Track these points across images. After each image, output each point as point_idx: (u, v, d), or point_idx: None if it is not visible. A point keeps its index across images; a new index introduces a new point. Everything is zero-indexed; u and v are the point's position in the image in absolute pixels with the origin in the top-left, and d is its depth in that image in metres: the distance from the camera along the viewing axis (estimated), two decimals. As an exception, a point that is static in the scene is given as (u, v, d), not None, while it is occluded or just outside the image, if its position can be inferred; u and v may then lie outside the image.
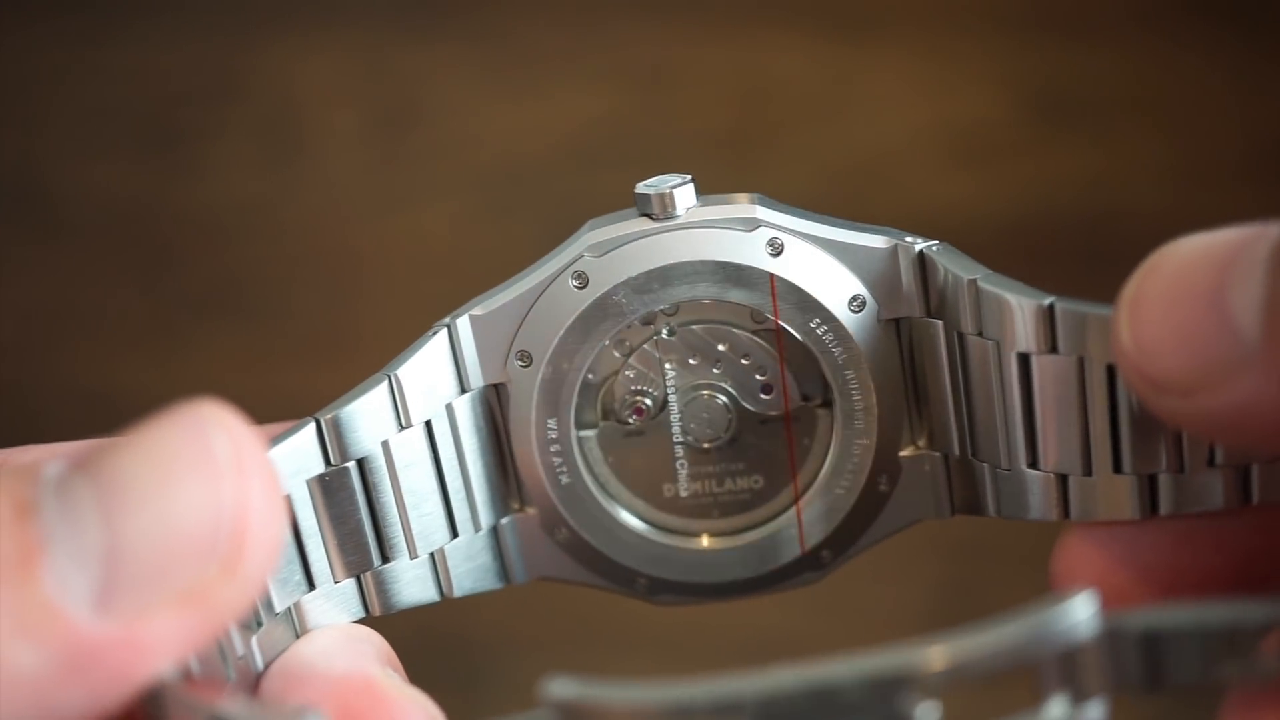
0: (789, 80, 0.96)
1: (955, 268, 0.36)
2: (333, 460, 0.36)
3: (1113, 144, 0.92)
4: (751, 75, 0.96)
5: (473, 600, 0.39)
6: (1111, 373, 0.35)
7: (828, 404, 0.38)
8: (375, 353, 1.05)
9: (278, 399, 0.95)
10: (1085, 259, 0.89)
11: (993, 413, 0.37)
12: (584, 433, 0.38)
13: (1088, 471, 0.36)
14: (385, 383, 0.36)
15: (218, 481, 0.27)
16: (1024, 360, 0.36)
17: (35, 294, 0.98)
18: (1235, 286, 0.30)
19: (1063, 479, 0.36)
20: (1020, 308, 0.35)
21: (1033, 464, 0.37)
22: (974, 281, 0.36)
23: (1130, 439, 0.35)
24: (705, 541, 0.39)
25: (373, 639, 0.36)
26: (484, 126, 0.97)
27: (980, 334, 0.36)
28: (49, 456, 0.35)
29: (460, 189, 0.97)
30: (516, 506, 0.39)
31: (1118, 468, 0.36)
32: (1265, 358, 0.30)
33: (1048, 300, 0.35)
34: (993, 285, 0.36)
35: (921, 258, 0.37)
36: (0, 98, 1.00)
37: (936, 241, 0.37)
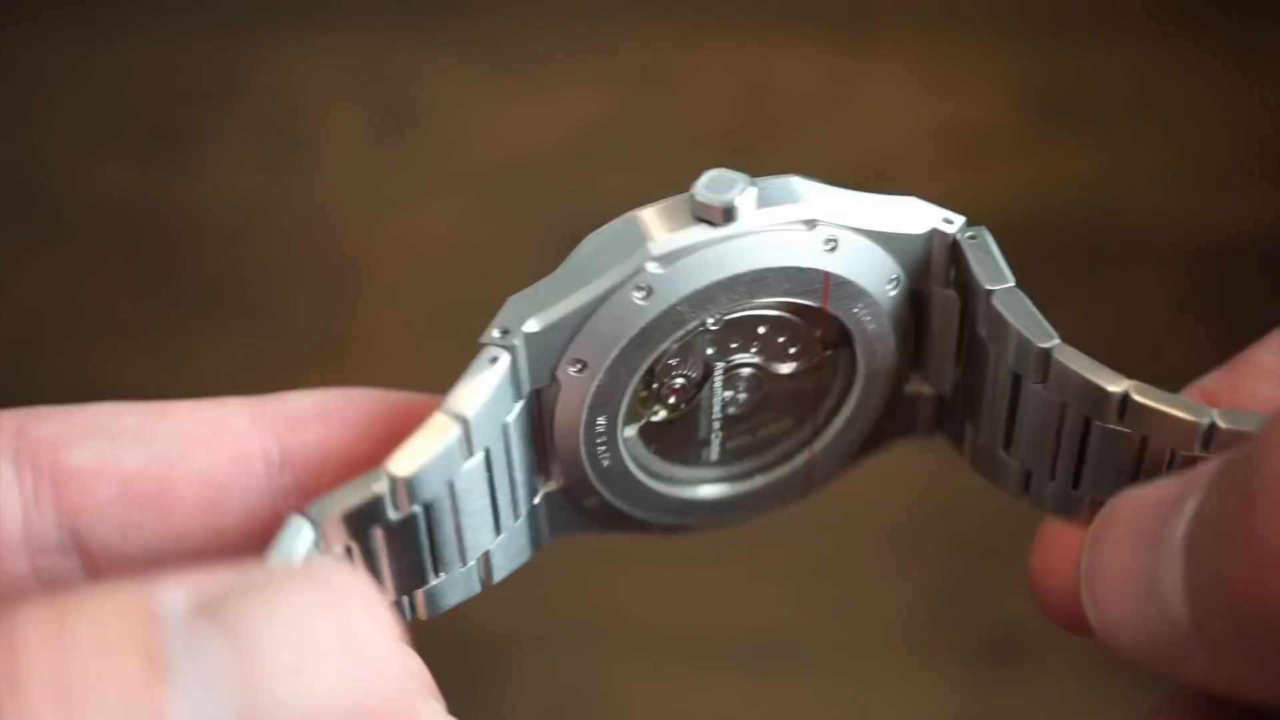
0: (789, 80, 0.96)
1: (980, 269, 0.36)
2: (399, 509, 0.34)
3: (1114, 145, 0.92)
4: (752, 75, 0.96)
5: (473, 600, 0.39)
6: (1088, 423, 0.35)
7: (844, 343, 0.39)
8: (375, 353, 1.05)
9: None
10: (1086, 259, 0.89)
11: (983, 393, 0.38)
12: (626, 432, 0.38)
13: (1052, 478, 0.37)
14: (459, 428, 0.34)
15: (360, 666, 0.26)
16: (1016, 377, 0.36)
17: (35, 294, 0.98)
18: (1163, 569, 0.30)
19: (1028, 473, 0.38)
20: (1019, 343, 0.35)
21: (1006, 450, 0.38)
22: (990, 294, 0.36)
23: (1092, 471, 0.36)
24: (756, 482, 0.40)
25: (417, 667, 0.35)
26: (484, 126, 0.97)
27: (985, 337, 0.37)
28: (81, 435, 0.34)
29: (460, 189, 0.97)
30: (543, 479, 0.38)
31: (1075, 486, 0.37)
32: (1202, 644, 0.30)
33: (1047, 344, 0.35)
34: (1003, 306, 0.36)
35: (955, 246, 0.37)
36: (0, 98, 1.00)
37: (972, 230, 0.37)
